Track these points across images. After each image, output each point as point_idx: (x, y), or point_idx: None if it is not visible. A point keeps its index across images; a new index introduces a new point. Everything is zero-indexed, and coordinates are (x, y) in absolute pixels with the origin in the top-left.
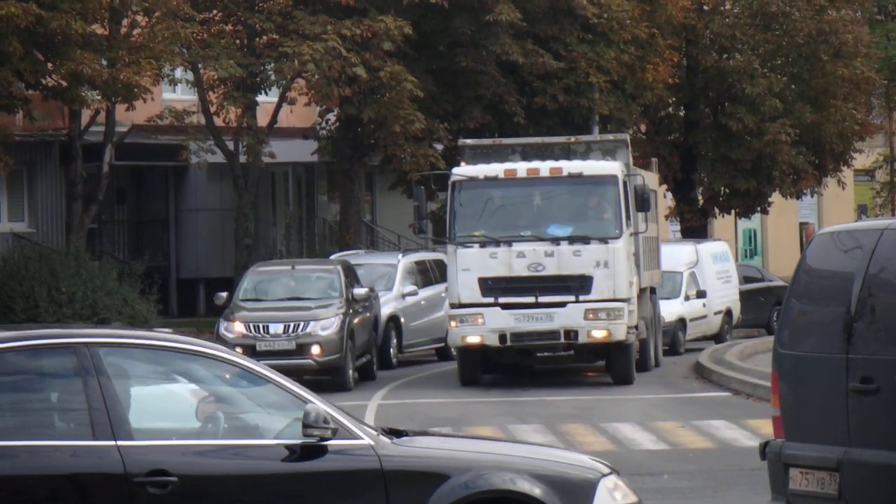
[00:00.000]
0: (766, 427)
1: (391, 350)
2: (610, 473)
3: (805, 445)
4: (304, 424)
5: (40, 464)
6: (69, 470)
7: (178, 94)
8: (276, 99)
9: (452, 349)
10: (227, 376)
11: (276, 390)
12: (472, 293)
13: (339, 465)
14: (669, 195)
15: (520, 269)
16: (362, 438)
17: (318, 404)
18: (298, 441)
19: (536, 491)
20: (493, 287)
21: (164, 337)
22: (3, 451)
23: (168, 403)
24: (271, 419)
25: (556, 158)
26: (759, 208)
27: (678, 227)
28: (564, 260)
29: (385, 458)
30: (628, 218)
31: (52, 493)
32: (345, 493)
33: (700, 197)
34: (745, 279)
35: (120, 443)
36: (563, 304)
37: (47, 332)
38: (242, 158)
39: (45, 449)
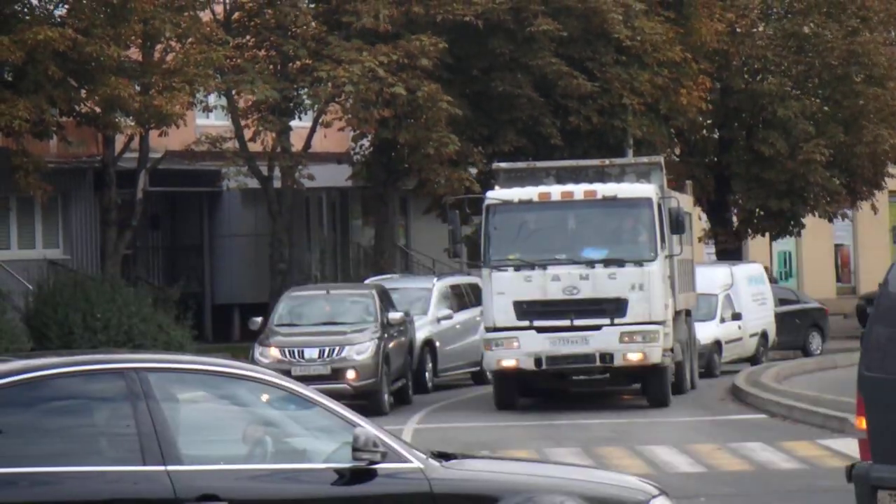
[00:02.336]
0: (803, 449)
1: (426, 374)
2: (659, 495)
3: (893, 468)
4: (354, 448)
5: (91, 489)
6: (120, 495)
7: (211, 121)
8: (309, 124)
9: (488, 373)
10: (276, 400)
11: (325, 414)
12: (507, 317)
13: (389, 489)
14: (704, 217)
15: (555, 292)
16: (412, 462)
17: (368, 428)
18: (348, 465)
19: None
20: (528, 310)
21: (212, 361)
22: (53, 476)
23: (217, 428)
24: (320, 443)
25: (591, 181)
26: (793, 230)
27: (713, 250)
28: (599, 283)
29: (435, 482)
30: (663, 240)
31: None
32: None
33: (734, 219)
34: (781, 301)
35: (170, 468)
36: (598, 328)
37: (96, 357)
38: (277, 183)
39: (96, 475)
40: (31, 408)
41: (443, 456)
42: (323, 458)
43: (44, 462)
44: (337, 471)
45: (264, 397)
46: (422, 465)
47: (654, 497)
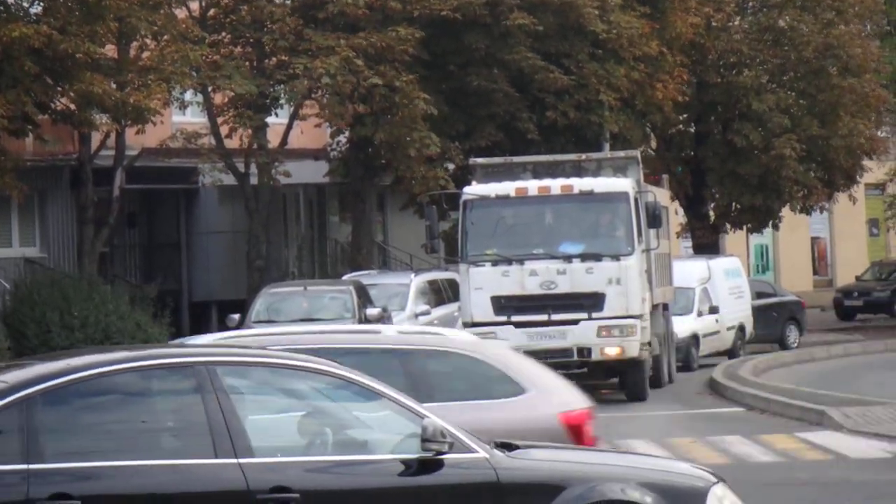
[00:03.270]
0: (781, 442)
1: None
2: (718, 482)
3: None
4: (423, 438)
5: (167, 483)
6: (194, 488)
7: (188, 117)
8: (286, 120)
9: None
10: (341, 392)
11: (390, 405)
12: (484, 312)
13: (457, 479)
14: (681, 211)
15: (532, 287)
16: (478, 452)
17: (435, 418)
18: (415, 455)
19: (648, 500)
20: (506, 305)
21: (277, 355)
22: (129, 470)
23: (284, 420)
24: (385, 434)
25: (567, 176)
26: (770, 224)
27: (690, 244)
28: (577, 277)
29: (501, 471)
30: (640, 235)
31: None
32: None
33: (711, 213)
34: (758, 294)
35: (241, 460)
36: (575, 322)
37: (167, 352)
38: (253, 180)
39: (170, 468)
40: (104, 402)
41: (505, 446)
42: (389, 450)
43: (118, 456)
44: (403, 461)
45: (329, 389)
46: (487, 455)
47: (713, 484)
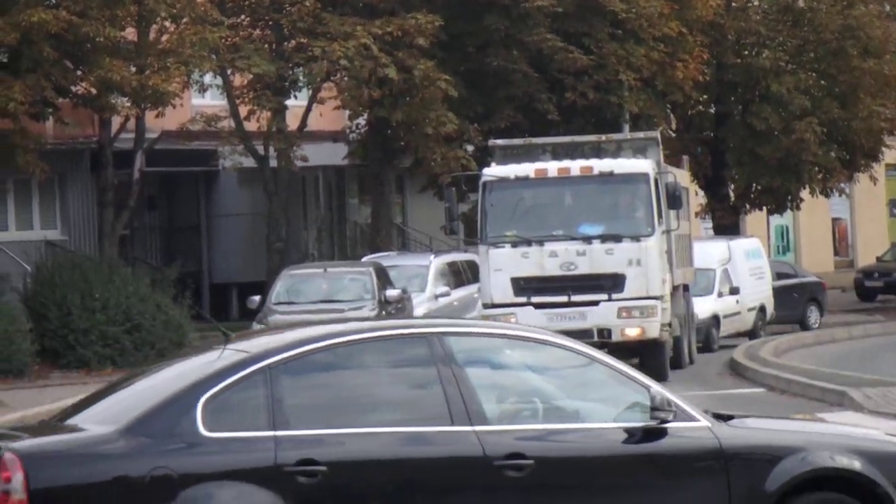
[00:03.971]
0: None
1: None
2: None
3: None
4: (652, 407)
5: (404, 449)
6: (436, 454)
7: (207, 100)
8: (305, 103)
9: None
10: (566, 362)
11: (613, 374)
12: (504, 293)
13: (682, 446)
14: (701, 193)
15: (552, 268)
16: (700, 421)
17: (660, 388)
18: (640, 424)
19: (856, 465)
20: (526, 287)
21: (502, 326)
22: (367, 437)
23: (511, 389)
24: (610, 403)
25: (587, 157)
26: (790, 205)
27: (710, 225)
28: (597, 259)
29: (724, 440)
30: (660, 216)
31: (422, 476)
32: (686, 474)
33: (731, 194)
34: (778, 275)
35: (476, 428)
36: (595, 303)
37: (397, 323)
38: (273, 163)
39: (408, 435)
40: (341, 371)
41: (721, 416)
42: (612, 418)
43: (358, 423)
44: (627, 430)
45: (552, 358)
46: (710, 424)
47: None
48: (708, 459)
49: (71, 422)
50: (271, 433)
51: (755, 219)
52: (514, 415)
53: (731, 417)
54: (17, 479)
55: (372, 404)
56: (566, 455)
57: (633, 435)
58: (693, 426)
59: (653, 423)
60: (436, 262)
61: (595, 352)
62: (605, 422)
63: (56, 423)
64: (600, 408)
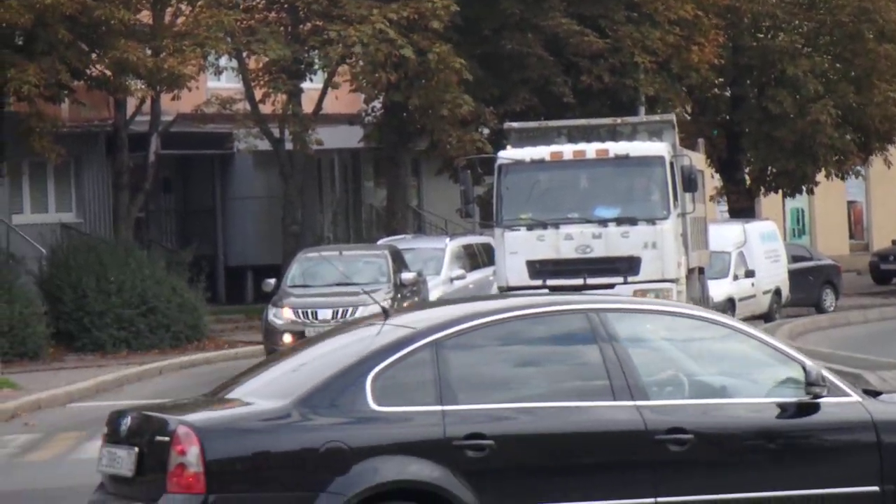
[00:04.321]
0: None
1: None
2: None
3: None
4: (808, 382)
5: (569, 423)
6: (596, 429)
7: (222, 83)
8: (320, 85)
9: None
10: (718, 337)
11: (766, 350)
12: (520, 276)
13: (834, 422)
14: (717, 176)
15: (567, 251)
16: (852, 395)
17: (814, 364)
18: (794, 399)
19: None
20: (541, 270)
21: (656, 302)
22: (533, 411)
23: (667, 364)
24: (763, 377)
25: (602, 140)
26: (805, 188)
27: (725, 208)
28: (612, 241)
29: (876, 414)
30: (676, 199)
31: (586, 450)
32: (840, 448)
33: (747, 177)
34: (794, 258)
35: (638, 402)
36: (611, 286)
37: (556, 299)
38: (288, 146)
39: (572, 410)
40: (505, 347)
41: (869, 392)
42: (765, 393)
43: (523, 398)
44: (780, 405)
45: (706, 334)
46: (861, 399)
47: None
48: (860, 433)
49: (231, 396)
50: (439, 408)
51: (770, 202)
52: (671, 390)
53: (879, 393)
54: (193, 452)
55: (534, 379)
56: (724, 429)
57: (787, 410)
58: (845, 401)
59: (807, 398)
60: (451, 245)
61: (752, 328)
62: (759, 397)
63: (215, 398)
64: (754, 383)
